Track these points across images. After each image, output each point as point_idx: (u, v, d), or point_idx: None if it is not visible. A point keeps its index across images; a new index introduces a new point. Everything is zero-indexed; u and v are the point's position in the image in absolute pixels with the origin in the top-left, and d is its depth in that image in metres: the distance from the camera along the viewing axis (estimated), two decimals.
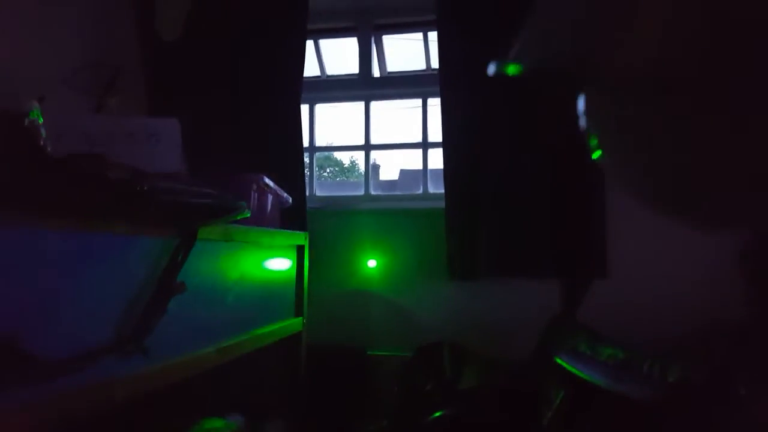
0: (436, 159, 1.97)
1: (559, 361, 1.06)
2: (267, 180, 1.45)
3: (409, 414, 1.29)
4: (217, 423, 0.65)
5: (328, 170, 10.99)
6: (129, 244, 0.84)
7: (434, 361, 1.46)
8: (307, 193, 2.09)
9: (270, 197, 1.55)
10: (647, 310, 1.60)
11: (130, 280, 0.85)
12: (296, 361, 1.57)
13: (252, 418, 1.29)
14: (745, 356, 0.87)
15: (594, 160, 0.50)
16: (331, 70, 2.20)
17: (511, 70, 0.46)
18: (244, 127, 1.85)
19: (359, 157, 2.07)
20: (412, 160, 2.02)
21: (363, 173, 2.10)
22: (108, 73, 1.76)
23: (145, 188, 0.75)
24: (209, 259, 1.13)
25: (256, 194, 1.44)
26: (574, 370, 1.00)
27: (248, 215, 1.14)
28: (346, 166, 11.11)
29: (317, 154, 2.16)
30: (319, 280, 1.85)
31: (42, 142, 0.82)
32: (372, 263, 1.89)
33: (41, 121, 0.85)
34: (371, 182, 2.06)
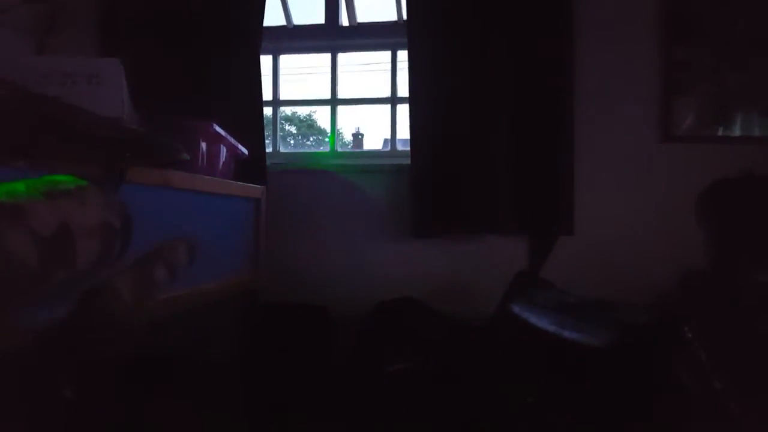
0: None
1: (512, 310, 1.03)
2: (218, 128, 1.37)
3: (366, 367, 1.25)
4: (61, 178, 0.57)
5: (311, 139, 10.78)
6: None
7: (394, 317, 1.42)
8: (270, 150, 2.01)
9: (223, 148, 1.47)
10: (614, 265, 1.58)
11: None
12: (251, 319, 1.51)
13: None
14: (697, 301, 0.84)
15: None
16: (298, 21, 2.07)
17: None
18: (202, 75, 1.74)
19: (341, 123, 1.98)
20: (399, 129, 1.94)
21: (346, 141, 2.02)
22: (48, 11, 1.63)
23: (32, 107, 0.66)
24: (152, 208, 1.05)
25: (204, 143, 1.35)
26: (525, 319, 0.97)
27: (187, 158, 1.06)
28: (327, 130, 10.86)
29: (297, 118, 2.06)
30: (282, 239, 1.79)
31: None
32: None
33: None
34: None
